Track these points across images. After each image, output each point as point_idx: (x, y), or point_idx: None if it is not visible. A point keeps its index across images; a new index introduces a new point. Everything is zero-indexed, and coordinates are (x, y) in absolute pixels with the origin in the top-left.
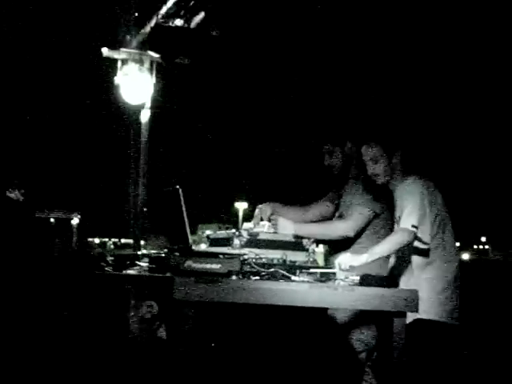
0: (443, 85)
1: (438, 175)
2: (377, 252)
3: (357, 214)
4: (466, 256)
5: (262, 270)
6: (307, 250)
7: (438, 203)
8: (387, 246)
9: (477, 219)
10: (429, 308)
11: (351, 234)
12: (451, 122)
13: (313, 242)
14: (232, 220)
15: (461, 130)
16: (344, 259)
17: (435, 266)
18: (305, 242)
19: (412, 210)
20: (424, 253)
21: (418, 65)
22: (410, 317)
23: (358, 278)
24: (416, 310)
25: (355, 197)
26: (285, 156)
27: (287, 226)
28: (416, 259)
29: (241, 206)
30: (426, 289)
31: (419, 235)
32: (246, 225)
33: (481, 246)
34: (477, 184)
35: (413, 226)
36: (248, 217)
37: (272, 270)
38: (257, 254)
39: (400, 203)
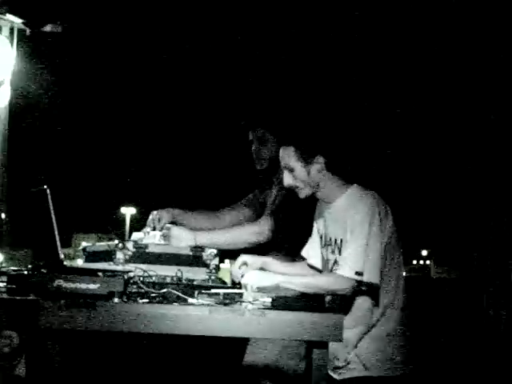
0: (374, 76)
1: (371, 179)
2: (295, 283)
3: (272, 218)
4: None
5: (152, 290)
6: (208, 266)
7: (389, 226)
8: (312, 285)
9: (416, 229)
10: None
11: (265, 236)
12: (383, 115)
13: (215, 256)
14: (117, 229)
15: (393, 125)
16: (252, 278)
17: (388, 315)
18: (205, 255)
19: (360, 249)
20: (372, 296)
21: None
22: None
23: (270, 299)
24: (340, 340)
25: (277, 199)
26: (190, 145)
27: (184, 236)
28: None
29: (128, 212)
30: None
31: (366, 280)
32: (136, 235)
33: (421, 261)
34: (414, 187)
35: (357, 274)
36: (139, 225)
37: (164, 290)
38: (145, 271)
39: (338, 228)
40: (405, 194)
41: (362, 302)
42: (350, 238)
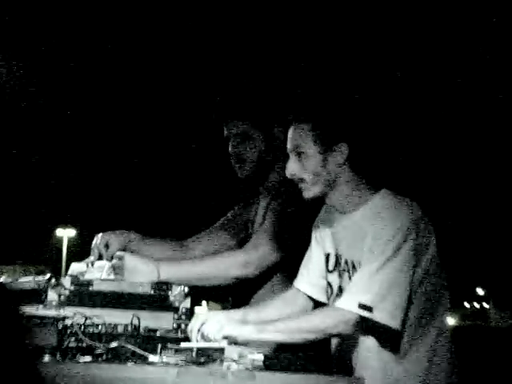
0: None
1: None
2: (277, 329)
3: (263, 242)
4: (450, 321)
5: (97, 344)
6: (177, 310)
7: (429, 249)
8: (301, 329)
9: (470, 259)
10: None
11: (253, 268)
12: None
13: (186, 296)
14: (50, 258)
15: (438, 121)
16: (210, 325)
17: (413, 360)
18: (172, 295)
19: (374, 273)
20: (391, 344)
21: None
22: None
23: (262, 357)
24: None
25: (268, 216)
26: (147, 144)
27: (142, 268)
28: (377, 348)
29: (65, 235)
30: None
31: (378, 319)
32: (75, 267)
33: (476, 304)
34: (468, 202)
35: (362, 307)
36: (79, 253)
37: (115, 344)
38: (88, 318)
39: (356, 247)
40: (454, 210)
41: (372, 355)
42: (366, 258)
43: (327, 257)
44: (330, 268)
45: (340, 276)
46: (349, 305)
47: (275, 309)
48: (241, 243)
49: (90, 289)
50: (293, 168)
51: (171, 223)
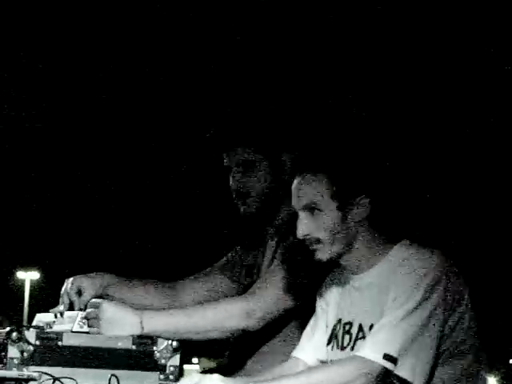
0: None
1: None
2: None
3: (269, 288)
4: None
5: None
6: (164, 369)
7: (462, 308)
8: (322, 381)
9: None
10: None
11: (253, 322)
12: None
13: (175, 352)
14: (9, 306)
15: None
16: None
17: None
18: (158, 351)
19: (400, 323)
20: None
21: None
22: None
23: None
24: None
25: (276, 259)
26: (128, 172)
27: (123, 319)
28: None
29: (28, 277)
30: None
31: (401, 374)
32: (41, 317)
33: None
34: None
35: (387, 358)
36: (43, 300)
37: None
38: (58, 380)
39: (369, 310)
40: (484, 258)
41: None
42: (389, 307)
43: (335, 324)
44: (330, 335)
45: (337, 348)
46: (374, 354)
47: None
48: (243, 290)
49: (60, 344)
50: (306, 228)
51: (158, 264)
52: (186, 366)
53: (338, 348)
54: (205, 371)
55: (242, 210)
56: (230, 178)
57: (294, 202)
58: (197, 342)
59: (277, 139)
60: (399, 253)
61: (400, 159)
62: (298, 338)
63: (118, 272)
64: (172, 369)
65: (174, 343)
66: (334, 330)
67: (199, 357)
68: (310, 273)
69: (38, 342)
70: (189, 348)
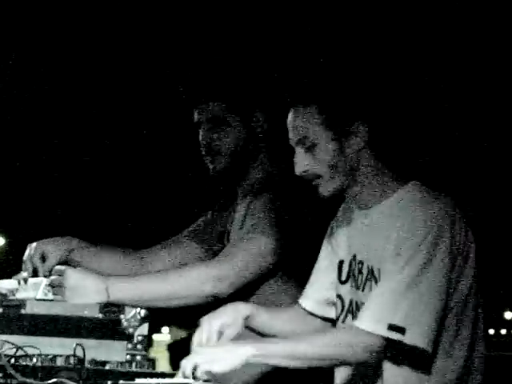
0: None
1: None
2: (278, 354)
3: (240, 250)
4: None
5: (32, 381)
6: (131, 338)
7: (470, 264)
8: (311, 356)
9: (497, 276)
10: None
11: (224, 287)
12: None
13: (142, 320)
14: None
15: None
16: (198, 357)
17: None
18: (125, 319)
19: (404, 286)
20: (422, 366)
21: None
22: None
23: None
24: None
25: (248, 218)
26: (93, 129)
27: (88, 285)
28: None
29: None
30: None
31: (410, 342)
32: (3, 284)
33: (503, 330)
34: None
35: (392, 328)
36: (6, 267)
37: (54, 380)
38: (20, 348)
39: (377, 249)
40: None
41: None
42: (391, 264)
43: (340, 265)
44: (343, 278)
45: (354, 287)
46: (376, 326)
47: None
48: (213, 256)
49: (23, 311)
50: (304, 163)
51: (125, 229)
52: (155, 336)
53: (354, 287)
54: (176, 341)
55: (211, 167)
56: (200, 135)
57: (290, 137)
58: (166, 309)
59: (250, 96)
60: (406, 194)
61: (400, 78)
62: (284, 297)
63: (84, 236)
64: (140, 338)
65: (143, 312)
66: (350, 266)
67: (169, 326)
68: (285, 231)
69: (0, 310)
70: (158, 317)
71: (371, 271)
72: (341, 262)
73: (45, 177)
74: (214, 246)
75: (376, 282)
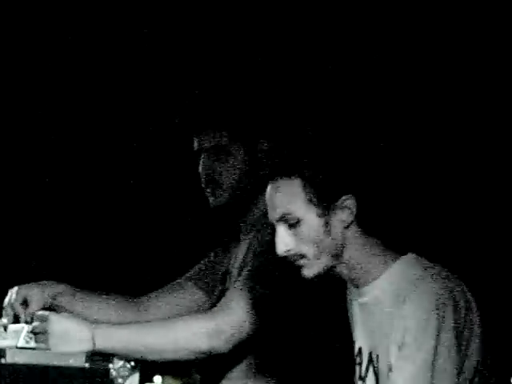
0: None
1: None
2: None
3: (237, 302)
4: None
5: None
6: None
7: (475, 338)
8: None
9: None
10: None
11: (221, 344)
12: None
13: (132, 371)
14: None
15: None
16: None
17: None
18: (114, 369)
19: (424, 371)
20: None
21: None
22: None
23: None
24: None
25: (246, 262)
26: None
27: (75, 333)
28: None
29: None
30: None
31: None
32: None
33: None
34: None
35: None
36: None
37: None
38: None
39: (376, 333)
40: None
41: None
42: (405, 351)
43: (359, 351)
44: (363, 374)
45: (361, 379)
46: None
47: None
48: (217, 301)
49: (2, 361)
50: (286, 242)
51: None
52: None
53: (359, 378)
54: None
55: (210, 201)
56: (200, 165)
57: (270, 213)
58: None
59: (255, 124)
60: (401, 270)
61: (389, 151)
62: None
63: (71, 280)
64: None
65: (131, 362)
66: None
67: (162, 375)
68: (290, 277)
69: None
70: (150, 365)
71: (370, 359)
72: (359, 349)
73: (26, 214)
74: (216, 288)
75: (376, 371)
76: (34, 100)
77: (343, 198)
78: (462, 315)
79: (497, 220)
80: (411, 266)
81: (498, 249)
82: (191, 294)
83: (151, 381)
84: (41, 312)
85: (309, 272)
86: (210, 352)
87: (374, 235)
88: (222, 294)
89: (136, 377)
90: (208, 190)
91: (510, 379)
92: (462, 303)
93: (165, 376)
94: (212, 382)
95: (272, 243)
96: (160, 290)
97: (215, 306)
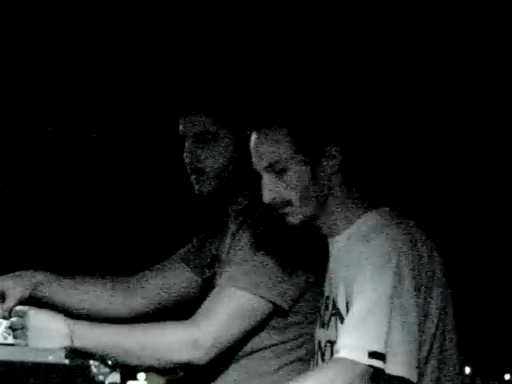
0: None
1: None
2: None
3: (219, 309)
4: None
5: None
6: None
7: (438, 289)
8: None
9: (497, 333)
10: None
11: (201, 355)
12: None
13: (114, 367)
14: None
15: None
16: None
17: None
18: (95, 367)
19: (376, 314)
20: None
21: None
22: None
23: None
24: None
25: (237, 254)
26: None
27: (55, 328)
28: None
29: None
30: None
31: (393, 371)
32: None
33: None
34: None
35: (374, 356)
36: None
37: None
38: None
39: (337, 280)
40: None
41: None
42: (359, 292)
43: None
44: (321, 315)
45: (321, 325)
46: (356, 353)
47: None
48: (205, 284)
49: None
50: (273, 191)
51: (103, 254)
52: (130, 383)
53: (321, 326)
54: None
55: (196, 187)
56: (185, 150)
57: (255, 163)
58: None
59: (244, 110)
60: (366, 221)
61: (374, 99)
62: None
63: (53, 268)
64: None
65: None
66: (324, 306)
67: (146, 372)
68: (274, 278)
69: None
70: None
71: (334, 305)
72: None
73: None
74: (206, 271)
75: (340, 317)
76: (31, 96)
77: (329, 145)
78: (424, 262)
79: (479, 180)
80: (381, 216)
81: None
82: (181, 274)
83: (135, 378)
84: (19, 307)
85: (294, 219)
86: (188, 363)
87: (356, 186)
88: (211, 278)
89: (117, 374)
90: (193, 177)
91: (503, 376)
92: (423, 250)
93: (149, 373)
94: (196, 379)
95: (259, 237)
96: (149, 270)
97: (206, 288)
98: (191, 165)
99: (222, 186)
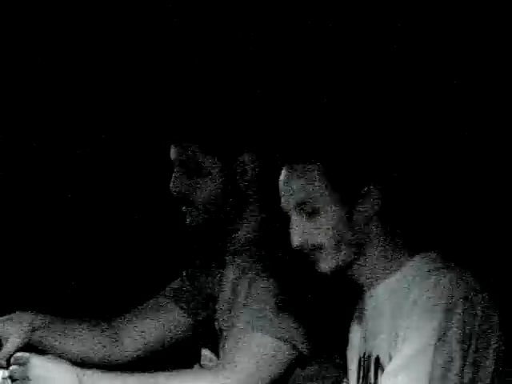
0: None
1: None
2: None
3: (242, 357)
4: None
5: None
6: None
7: (491, 334)
8: None
9: None
10: None
11: None
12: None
13: None
14: None
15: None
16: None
17: None
18: None
19: (422, 361)
20: None
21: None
22: None
23: None
24: None
25: (249, 297)
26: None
27: (57, 379)
28: None
29: None
30: None
31: None
32: None
33: None
34: None
35: None
36: None
37: None
38: None
39: (380, 332)
40: None
41: None
42: (405, 341)
43: (360, 358)
44: (361, 374)
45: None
46: None
47: None
48: (198, 326)
49: None
50: (303, 234)
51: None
52: None
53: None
54: None
55: (187, 221)
56: (172, 178)
57: (283, 201)
58: None
59: (235, 137)
60: (415, 267)
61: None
62: None
63: (46, 308)
64: None
65: None
66: (359, 365)
67: None
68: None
69: None
70: None
71: (377, 361)
72: (361, 356)
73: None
74: (199, 313)
75: (376, 372)
76: (29, 96)
77: (368, 186)
78: (477, 324)
79: None
80: (422, 263)
81: None
82: (171, 313)
83: None
84: (19, 353)
85: (325, 265)
86: None
87: (395, 230)
88: (207, 319)
89: None
90: (183, 209)
91: None
92: (478, 310)
93: None
94: None
95: (271, 272)
96: (135, 311)
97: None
98: (178, 195)
99: (211, 219)
